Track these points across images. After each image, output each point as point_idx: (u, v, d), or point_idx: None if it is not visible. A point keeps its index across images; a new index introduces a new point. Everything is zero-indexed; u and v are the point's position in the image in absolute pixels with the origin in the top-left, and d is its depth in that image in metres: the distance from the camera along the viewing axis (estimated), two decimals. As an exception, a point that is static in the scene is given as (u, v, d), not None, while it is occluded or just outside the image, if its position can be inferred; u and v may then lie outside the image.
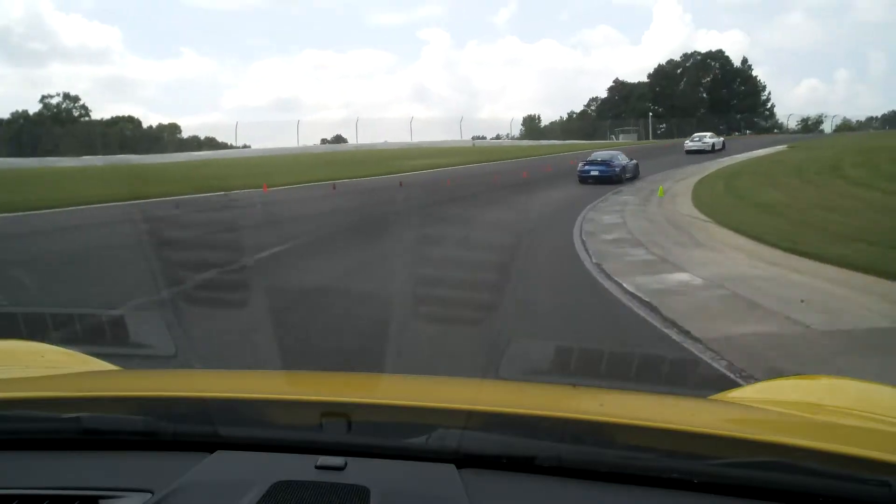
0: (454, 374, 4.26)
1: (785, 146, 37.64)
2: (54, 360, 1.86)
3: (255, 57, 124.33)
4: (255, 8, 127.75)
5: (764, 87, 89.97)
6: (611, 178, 25.25)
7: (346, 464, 1.05)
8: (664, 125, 76.00)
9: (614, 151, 29.70)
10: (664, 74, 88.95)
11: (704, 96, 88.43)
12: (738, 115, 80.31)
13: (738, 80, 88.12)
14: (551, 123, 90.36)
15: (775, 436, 1.19)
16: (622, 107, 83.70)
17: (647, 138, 62.32)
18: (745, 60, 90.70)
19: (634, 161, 28.64)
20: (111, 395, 1.41)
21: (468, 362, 4.70)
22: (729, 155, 34.44)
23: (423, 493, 1.02)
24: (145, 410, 1.24)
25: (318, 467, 1.05)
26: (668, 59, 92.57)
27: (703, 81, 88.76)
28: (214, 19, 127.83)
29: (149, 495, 1.00)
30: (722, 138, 42.88)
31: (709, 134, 43.11)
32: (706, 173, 25.63)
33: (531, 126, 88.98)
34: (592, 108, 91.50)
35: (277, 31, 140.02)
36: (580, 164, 26.97)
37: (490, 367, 4.34)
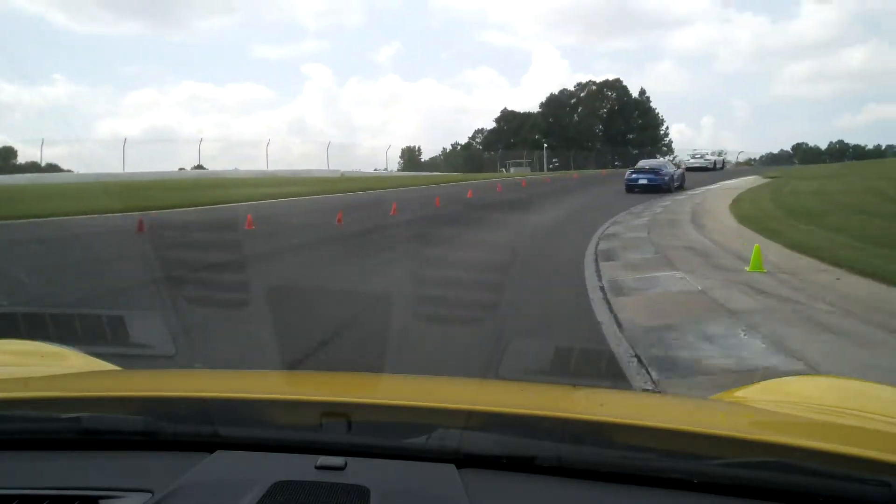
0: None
1: (757, 177, 31.72)
2: (54, 360, 1.86)
3: (130, 85, 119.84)
4: (134, 34, 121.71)
5: (662, 120, 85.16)
6: (659, 186, 24.68)
7: (346, 464, 1.06)
8: (556, 159, 70.19)
9: (662, 160, 29.86)
10: (558, 104, 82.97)
11: (600, 128, 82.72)
12: (635, 151, 70.78)
13: (636, 111, 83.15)
14: (431, 158, 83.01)
15: (775, 436, 1.19)
16: (513, 138, 76.89)
17: (543, 170, 57.66)
18: (642, 92, 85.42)
19: (682, 170, 28.04)
20: (111, 395, 1.41)
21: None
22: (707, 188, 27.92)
23: (423, 493, 1.02)
24: (145, 410, 1.24)
25: (318, 467, 1.05)
26: (560, 88, 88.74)
27: (600, 112, 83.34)
28: (87, 44, 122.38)
29: (149, 495, 1.00)
30: (723, 157, 41.23)
31: (710, 151, 41.28)
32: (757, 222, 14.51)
33: (411, 158, 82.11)
34: (478, 140, 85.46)
35: (155, 58, 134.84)
36: (627, 173, 26.57)
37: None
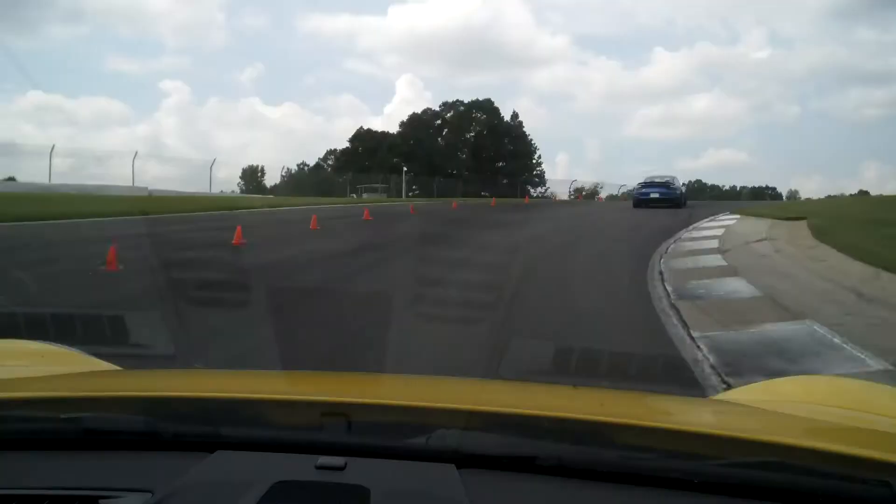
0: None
1: (737, 216, 18.58)
2: (54, 360, 1.86)
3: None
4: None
5: (536, 148, 74.34)
6: (672, 199, 23.68)
7: (346, 464, 1.05)
8: (416, 185, 60.99)
9: (668, 174, 27.47)
10: (420, 124, 71.90)
11: (466, 153, 72.83)
12: (505, 181, 65.19)
13: (508, 137, 72.66)
14: (283, 178, 66.68)
15: (775, 436, 1.19)
16: (368, 160, 66.39)
17: (402, 196, 49.82)
18: (515, 115, 74.43)
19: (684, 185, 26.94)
20: (111, 395, 1.41)
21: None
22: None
23: (423, 493, 1.02)
24: (145, 410, 1.24)
25: (318, 467, 1.05)
26: (424, 108, 75.96)
27: (467, 136, 73.09)
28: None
29: (149, 495, 1.00)
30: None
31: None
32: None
33: (251, 178, 71.01)
34: (330, 161, 74.94)
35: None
36: (637, 187, 25.51)
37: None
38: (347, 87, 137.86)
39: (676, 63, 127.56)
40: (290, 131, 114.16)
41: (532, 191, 67.92)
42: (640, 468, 1.07)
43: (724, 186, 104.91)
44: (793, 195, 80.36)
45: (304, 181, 66.44)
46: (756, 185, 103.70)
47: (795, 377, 2.05)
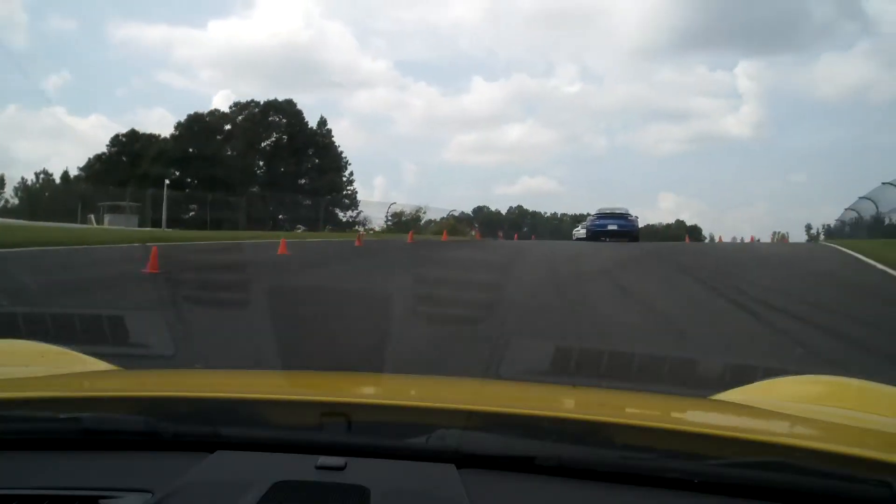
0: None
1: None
2: (54, 360, 1.86)
3: None
4: None
5: (347, 163, 61.40)
6: (629, 233, 22.31)
7: (346, 464, 1.05)
8: (195, 206, 47.05)
9: (621, 206, 25.36)
10: (202, 128, 56.38)
11: (261, 165, 59.38)
12: (307, 202, 52.13)
13: (313, 147, 59.66)
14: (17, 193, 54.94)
15: (775, 436, 1.19)
16: (132, 171, 47.60)
17: (161, 226, 36.24)
18: (322, 122, 60.84)
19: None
20: (111, 395, 1.41)
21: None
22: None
23: (423, 493, 1.02)
24: (145, 410, 1.24)
25: (318, 467, 1.05)
26: (210, 109, 60.10)
27: (263, 145, 59.30)
28: None
29: (149, 495, 1.00)
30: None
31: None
32: None
33: None
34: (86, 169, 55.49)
35: None
36: (589, 220, 23.72)
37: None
38: (161, 101, 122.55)
39: (494, 92, 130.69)
40: (100, 144, 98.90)
41: (341, 215, 56.84)
42: (640, 468, 1.07)
43: (545, 213, 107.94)
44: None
45: (44, 197, 51.17)
46: (577, 213, 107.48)
47: (795, 377, 2.05)
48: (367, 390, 1.66)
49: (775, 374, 2.00)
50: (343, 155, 62.18)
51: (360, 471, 1.04)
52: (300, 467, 1.05)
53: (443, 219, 52.02)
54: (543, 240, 41.71)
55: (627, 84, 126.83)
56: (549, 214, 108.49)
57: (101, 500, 1.01)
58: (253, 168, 58.89)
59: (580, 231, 33.83)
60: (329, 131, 62.16)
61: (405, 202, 59.23)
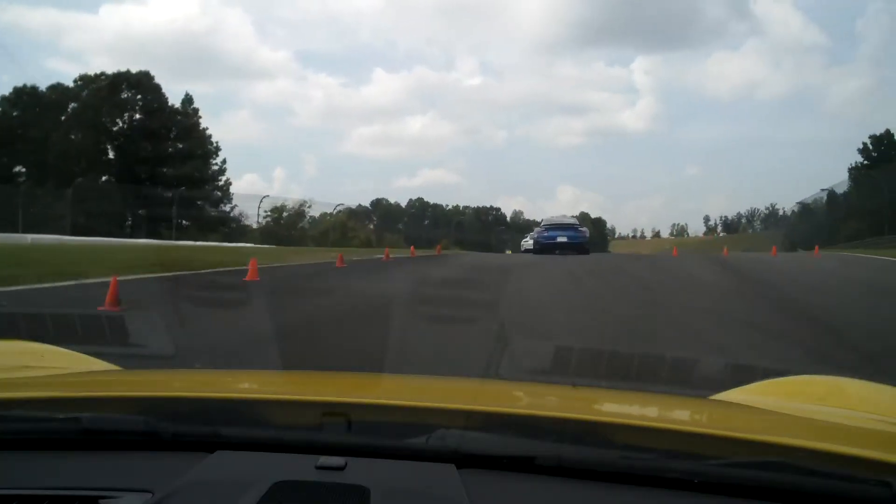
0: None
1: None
2: (54, 360, 1.86)
3: None
4: None
5: (217, 149, 51.79)
6: (580, 245, 20.94)
7: (346, 464, 1.05)
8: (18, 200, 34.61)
9: (569, 216, 24.29)
10: (36, 102, 45.68)
11: (110, 149, 48.77)
12: (169, 193, 42.48)
13: (175, 128, 50.44)
14: None
15: (775, 436, 1.19)
16: None
17: None
18: (188, 100, 51.66)
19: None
20: (111, 395, 1.41)
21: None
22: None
23: (423, 493, 1.02)
24: (145, 410, 1.24)
25: (318, 467, 1.05)
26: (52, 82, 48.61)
27: (112, 125, 48.90)
28: None
29: (149, 495, 1.00)
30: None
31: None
32: None
33: None
34: None
35: None
36: (537, 232, 22.03)
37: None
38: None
39: (395, 84, 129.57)
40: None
41: (211, 210, 49.96)
42: (640, 468, 1.07)
43: (446, 205, 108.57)
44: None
45: None
46: (479, 205, 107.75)
47: (795, 377, 2.05)
48: (367, 390, 1.66)
49: (775, 374, 2.00)
50: (212, 139, 52.03)
51: (360, 471, 1.04)
52: (300, 467, 1.05)
53: (333, 214, 48.42)
54: (475, 252, 34.78)
55: (527, 78, 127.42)
56: (450, 207, 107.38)
57: (100, 500, 1.01)
58: (99, 149, 47.71)
59: (528, 242, 31.92)
60: (196, 110, 51.80)
61: (305, 195, 53.17)
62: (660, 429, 1.20)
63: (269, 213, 47.99)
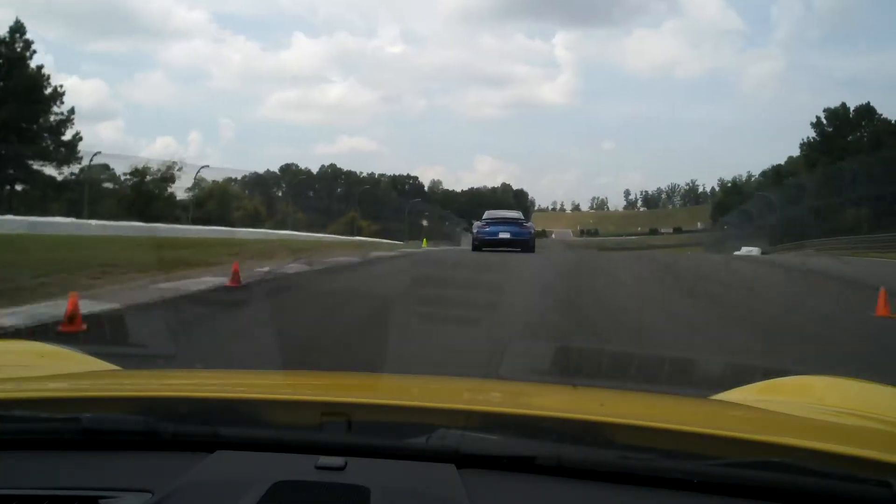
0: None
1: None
2: (54, 360, 1.86)
3: None
4: None
5: (60, 92, 41.12)
6: (524, 242, 18.99)
7: (346, 464, 1.06)
8: None
9: (512, 211, 22.50)
10: None
11: None
12: (1, 150, 35.10)
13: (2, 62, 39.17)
14: None
15: (775, 436, 1.19)
16: None
17: None
18: (18, 29, 40.10)
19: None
20: (111, 395, 1.41)
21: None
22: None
23: (423, 493, 1.02)
24: (145, 410, 1.24)
25: (318, 467, 1.05)
26: None
27: None
28: None
29: (149, 495, 1.00)
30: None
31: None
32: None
33: None
34: None
35: None
36: (479, 225, 20.02)
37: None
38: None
39: (315, 49, 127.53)
40: None
41: (56, 173, 38.83)
42: (640, 468, 1.07)
43: (360, 173, 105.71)
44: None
45: None
46: (395, 174, 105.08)
47: (795, 377, 2.05)
48: (367, 390, 1.66)
49: (775, 374, 2.01)
50: (54, 83, 40.67)
51: (360, 471, 1.04)
52: (300, 467, 1.05)
53: (197, 179, 38.74)
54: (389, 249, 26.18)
55: (449, 48, 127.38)
56: (365, 174, 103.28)
57: (100, 500, 1.01)
58: None
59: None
60: (29, 42, 40.23)
61: (224, 161, 47.42)
62: (660, 429, 1.20)
63: (128, 177, 37.52)
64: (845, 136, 53.87)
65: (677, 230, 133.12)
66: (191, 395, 1.43)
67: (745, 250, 36.16)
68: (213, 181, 43.54)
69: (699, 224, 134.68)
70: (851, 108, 57.04)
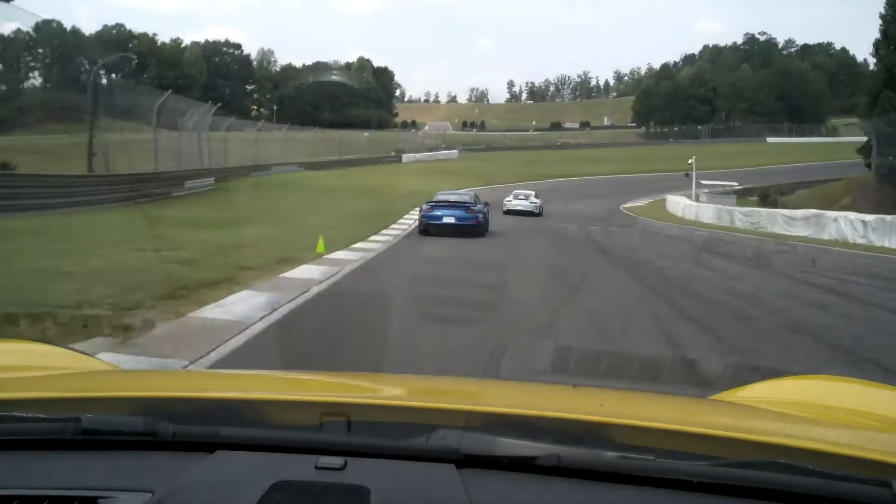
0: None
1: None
2: (54, 360, 1.86)
3: None
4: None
5: None
6: (473, 226, 17.93)
7: (346, 464, 1.06)
8: None
9: (463, 192, 20.93)
10: None
11: None
12: None
13: None
14: None
15: (775, 436, 1.19)
16: None
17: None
18: None
19: (487, 206, 19.92)
20: (111, 396, 1.41)
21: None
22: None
23: (423, 493, 1.02)
24: (145, 410, 1.24)
25: (318, 467, 1.05)
26: None
27: None
28: None
29: (149, 495, 1.00)
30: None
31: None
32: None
33: None
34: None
35: None
36: (423, 209, 18.44)
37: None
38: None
39: None
40: None
41: None
42: (640, 468, 1.07)
43: (156, 35, 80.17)
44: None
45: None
46: (213, 39, 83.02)
47: (795, 377, 2.06)
48: (366, 390, 1.66)
49: (775, 374, 2.01)
50: None
51: (360, 471, 1.04)
52: (300, 467, 1.05)
53: None
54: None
55: None
56: (168, 41, 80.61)
57: (100, 500, 1.01)
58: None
59: (510, 202, 27.96)
60: None
61: None
62: (660, 429, 1.20)
63: None
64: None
65: (585, 125, 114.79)
66: (191, 395, 1.43)
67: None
68: None
69: (605, 119, 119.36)
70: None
